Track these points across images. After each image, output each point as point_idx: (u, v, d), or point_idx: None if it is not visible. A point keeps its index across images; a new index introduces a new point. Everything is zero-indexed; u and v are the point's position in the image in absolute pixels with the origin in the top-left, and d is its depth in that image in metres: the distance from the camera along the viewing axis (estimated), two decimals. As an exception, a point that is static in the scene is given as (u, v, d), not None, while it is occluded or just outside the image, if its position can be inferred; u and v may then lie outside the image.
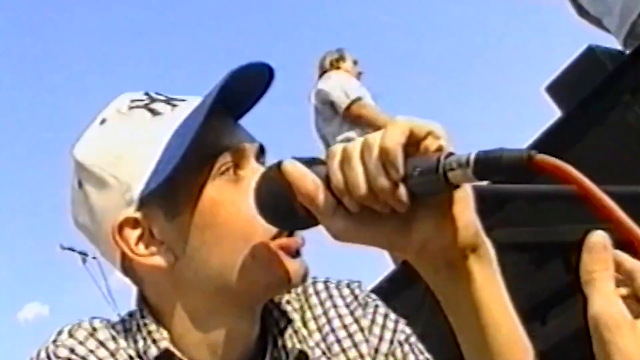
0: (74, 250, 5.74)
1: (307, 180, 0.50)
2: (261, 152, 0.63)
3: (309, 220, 0.52)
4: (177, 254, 0.60)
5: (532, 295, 2.45)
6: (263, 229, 0.58)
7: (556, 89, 2.99)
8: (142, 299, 0.64)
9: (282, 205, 0.52)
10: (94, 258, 5.59)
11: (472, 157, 0.45)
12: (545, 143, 2.34)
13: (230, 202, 0.60)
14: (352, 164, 0.48)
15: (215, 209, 0.59)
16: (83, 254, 5.71)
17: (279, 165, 0.53)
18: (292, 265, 0.60)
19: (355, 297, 0.69)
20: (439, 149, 0.48)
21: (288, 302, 0.67)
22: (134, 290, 0.65)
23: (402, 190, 0.47)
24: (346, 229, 0.50)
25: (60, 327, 0.61)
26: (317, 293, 0.69)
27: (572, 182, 0.41)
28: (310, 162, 0.52)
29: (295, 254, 0.61)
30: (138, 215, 0.60)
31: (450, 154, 0.47)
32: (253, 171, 0.60)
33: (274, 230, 0.59)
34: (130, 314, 0.64)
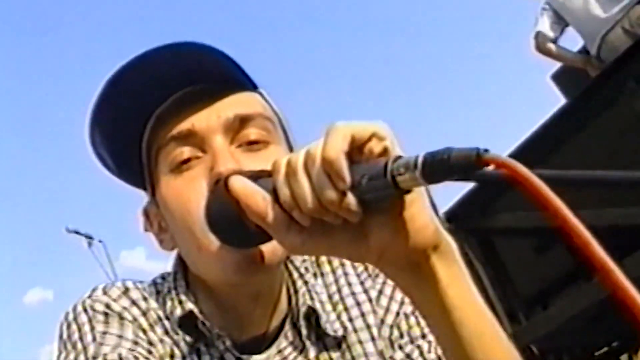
0: (79, 233, 5.70)
1: (256, 197, 0.48)
2: (242, 121, 0.61)
3: (263, 235, 0.50)
4: (173, 241, 0.64)
5: (535, 279, 2.47)
6: (202, 221, 0.57)
7: (562, 78, 3.00)
8: (181, 262, 0.65)
9: (233, 223, 0.51)
10: (100, 241, 5.55)
11: (420, 159, 0.43)
12: (551, 130, 2.35)
13: (174, 194, 0.60)
14: (298, 177, 0.46)
15: (165, 202, 0.61)
16: (89, 237, 5.66)
17: (225, 182, 0.51)
18: (234, 257, 0.57)
19: (366, 267, 0.69)
20: (385, 151, 0.45)
21: (306, 267, 0.68)
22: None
23: (351, 199, 0.45)
24: (302, 243, 0.48)
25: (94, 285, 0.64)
26: (329, 261, 0.69)
27: (522, 182, 0.39)
28: (256, 176, 0.51)
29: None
30: (152, 206, 0.66)
31: (398, 157, 0.45)
32: (216, 151, 0.59)
33: None
34: (163, 277, 0.66)
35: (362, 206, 0.45)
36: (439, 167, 0.42)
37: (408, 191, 0.46)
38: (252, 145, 0.61)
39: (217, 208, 0.53)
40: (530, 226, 2.27)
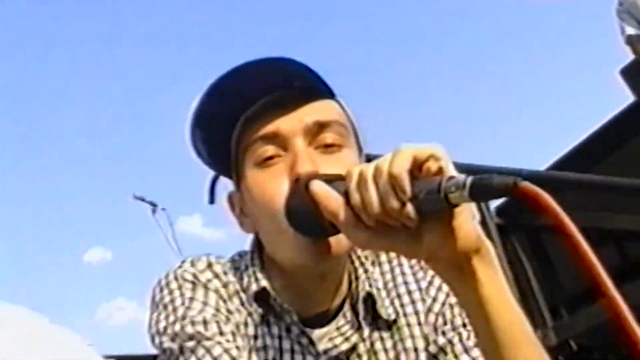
0: (144, 200, 5.85)
1: (332, 200, 0.59)
2: (320, 127, 0.69)
3: (333, 229, 0.61)
4: (253, 225, 0.74)
5: (581, 277, 2.47)
6: (282, 212, 0.65)
7: (631, 72, 2.91)
8: (257, 244, 0.75)
9: (310, 218, 0.62)
10: (163, 209, 5.69)
11: (468, 181, 0.53)
12: (617, 127, 2.31)
13: (258, 185, 0.69)
14: (367, 185, 0.56)
15: (249, 192, 0.70)
16: (153, 204, 5.81)
17: (306, 185, 0.62)
18: (308, 247, 0.65)
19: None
20: (440, 170, 0.55)
21: (366, 256, 0.77)
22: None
23: (410, 209, 0.55)
24: (366, 240, 0.58)
25: (184, 258, 0.74)
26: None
27: (548, 211, 0.46)
28: (331, 180, 0.61)
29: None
30: (236, 194, 0.75)
31: (451, 177, 0.54)
32: (297, 152, 0.67)
33: None
34: (240, 255, 0.76)
35: (419, 214, 0.56)
36: (483, 189, 0.52)
37: (457, 205, 0.55)
38: (328, 148, 0.70)
39: (297, 205, 0.64)
40: (579, 225, 2.25)
